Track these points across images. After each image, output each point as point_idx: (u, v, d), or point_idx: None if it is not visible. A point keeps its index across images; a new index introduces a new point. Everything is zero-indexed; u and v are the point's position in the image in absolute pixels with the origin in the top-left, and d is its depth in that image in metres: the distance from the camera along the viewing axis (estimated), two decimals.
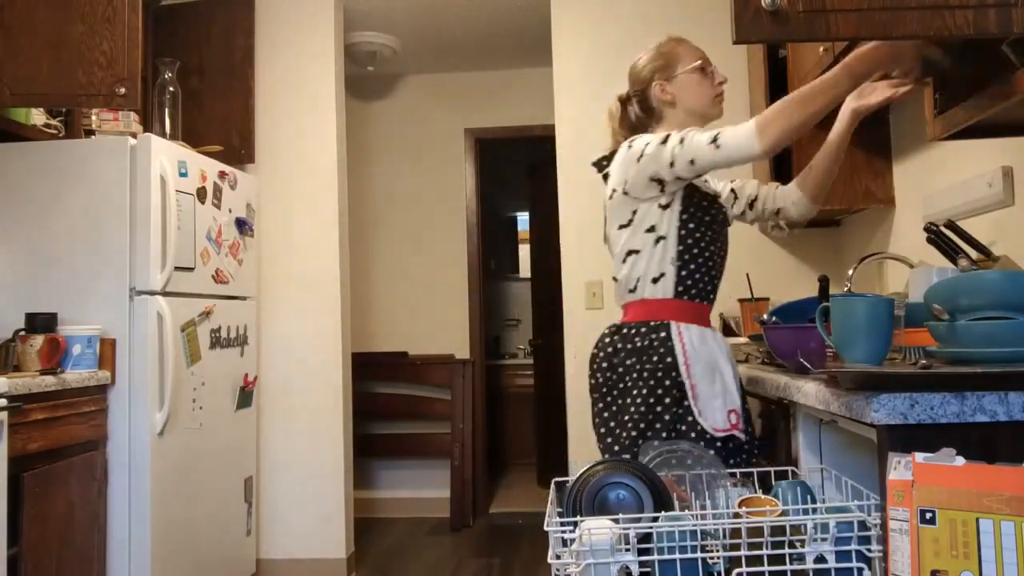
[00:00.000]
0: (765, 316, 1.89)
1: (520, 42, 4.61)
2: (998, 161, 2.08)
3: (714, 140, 1.71)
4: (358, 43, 4.48)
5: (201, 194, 3.10)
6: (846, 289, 2.34)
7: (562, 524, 1.26)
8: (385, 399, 4.95)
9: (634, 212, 1.85)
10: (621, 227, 1.88)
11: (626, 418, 1.81)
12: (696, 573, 1.18)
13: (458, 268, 5.11)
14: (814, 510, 1.25)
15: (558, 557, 1.20)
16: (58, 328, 2.64)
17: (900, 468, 1.07)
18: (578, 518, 1.26)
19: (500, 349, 6.86)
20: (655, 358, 1.80)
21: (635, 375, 1.82)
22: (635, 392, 1.81)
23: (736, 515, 1.21)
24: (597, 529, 1.18)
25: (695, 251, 1.84)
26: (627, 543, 1.18)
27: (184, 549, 2.91)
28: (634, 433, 1.78)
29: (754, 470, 1.48)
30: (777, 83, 2.96)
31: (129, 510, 2.70)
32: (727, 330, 3.30)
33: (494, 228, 6.72)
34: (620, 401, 1.85)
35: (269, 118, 3.79)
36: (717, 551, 1.20)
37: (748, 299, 3.03)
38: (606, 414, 1.88)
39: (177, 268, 2.90)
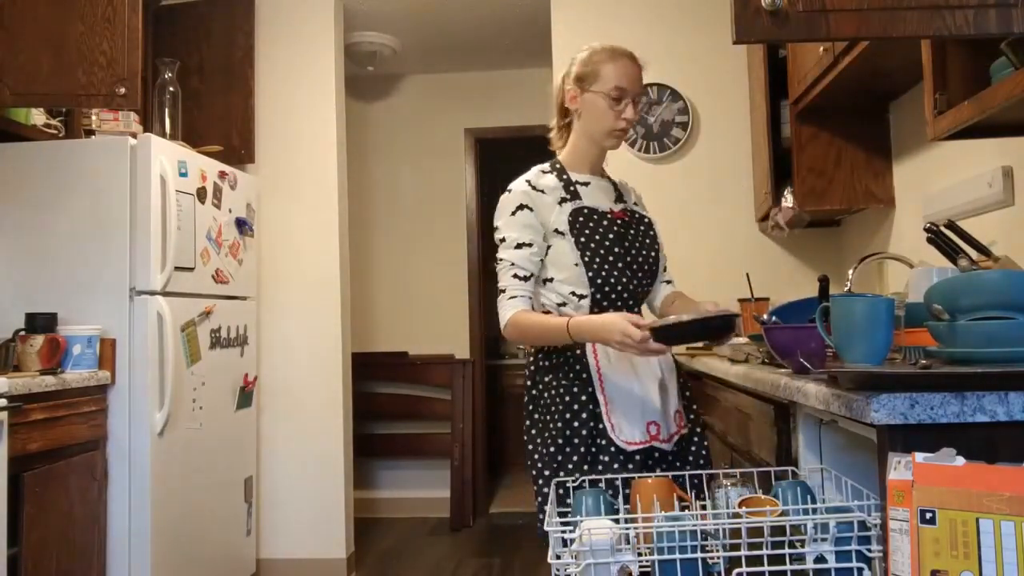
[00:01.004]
0: (765, 316, 1.89)
1: (520, 42, 4.61)
2: (998, 161, 2.08)
3: (502, 291, 1.82)
4: (358, 43, 4.48)
5: (201, 194, 3.10)
6: (846, 289, 2.34)
7: (562, 524, 1.26)
8: (385, 399, 4.95)
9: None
10: None
11: (547, 434, 1.81)
12: (696, 573, 1.18)
13: (458, 268, 5.11)
14: (814, 510, 1.25)
15: (558, 557, 1.20)
16: (58, 328, 2.64)
17: (900, 468, 1.07)
18: (578, 518, 1.26)
19: (500, 349, 6.85)
20: (571, 374, 1.81)
21: (553, 392, 1.83)
22: (553, 408, 1.81)
23: (736, 515, 1.21)
24: (597, 529, 1.18)
25: (596, 267, 1.81)
26: (627, 543, 1.18)
27: (184, 549, 2.91)
28: (552, 449, 1.79)
29: (754, 470, 1.48)
30: (777, 83, 2.96)
31: (129, 510, 2.70)
32: None
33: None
34: (542, 417, 1.85)
35: (269, 118, 3.79)
36: (717, 551, 1.20)
37: (748, 299, 3.03)
38: (533, 431, 1.88)
39: (177, 268, 2.90)
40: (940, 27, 1.29)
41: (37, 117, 2.93)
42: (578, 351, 1.82)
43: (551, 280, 1.85)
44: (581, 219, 1.84)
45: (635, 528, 1.18)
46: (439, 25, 4.38)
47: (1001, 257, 1.86)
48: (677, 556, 1.17)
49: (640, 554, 1.18)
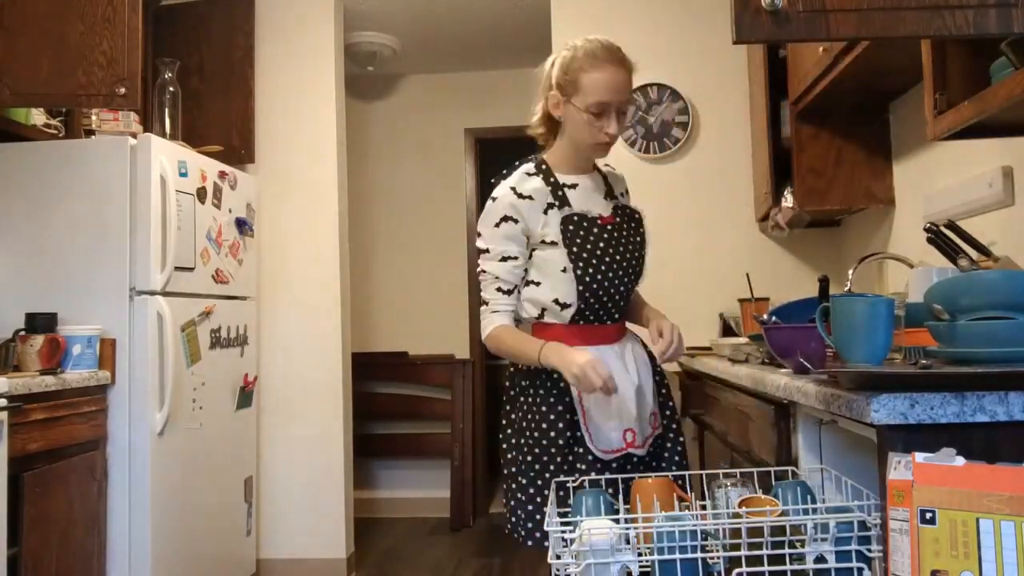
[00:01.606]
0: (765, 316, 1.89)
1: (520, 42, 4.61)
2: (998, 161, 2.08)
3: (485, 303, 1.82)
4: (358, 43, 4.48)
5: (201, 194, 3.10)
6: (846, 289, 2.34)
7: (562, 524, 1.26)
8: (385, 399, 4.95)
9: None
10: None
11: (522, 441, 1.80)
12: (696, 573, 1.18)
13: (458, 268, 5.11)
14: (814, 510, 1.25)
15: (558, 557, 1.20)
16: (58, 328, 2.64)
17: (900, 468, 1.07)
18: (578, 518, 1.26)
19: None
20: (548, 384, 1.79)
21: (532, 398, 1.80)
22: (531, 416, 1.79)
23: (736, 515, 1.21)
24: (597, 529, 1.18)
25: (587, 280, 1.76)
26: (627, 543, 1.18)
27: (184, 549, 2.91)
28: (529, 458, 1.78)
29: (754, 470, 1.48)
30: (777, 83, 2.96)
31: (129, 510, 2.70)
32: (727, 330, 3.30)
33: None
34: (519, 423, 1.83)
35: (269, 118, 3.79)
36: (717, 551, 1.20)
37: (748, 299, 3.03)
38: (509, 430, 1.88)
39: (177, 268, 2.90)
40: (940, 27, 1.29)
41: (37, 117, 2.93)
42: None
43: (536, 283, 1.80)
44: (572, 227, 1.78)
45: (635, 528, 1.18)
46: (439, 25, 4.38)
47: (1001, 257, 1.86)
48: (677, 556, 1.17)
49: (640, 554, 1.18)
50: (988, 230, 2.09)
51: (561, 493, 1.55)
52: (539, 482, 1.75)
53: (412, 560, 4.03)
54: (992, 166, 2.09)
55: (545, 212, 1.79)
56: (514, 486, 1.81)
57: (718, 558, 1.20)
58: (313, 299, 3.74)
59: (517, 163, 1.90)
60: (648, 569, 1.19)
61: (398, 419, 4.95)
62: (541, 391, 1.79)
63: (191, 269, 3.02)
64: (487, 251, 1.80)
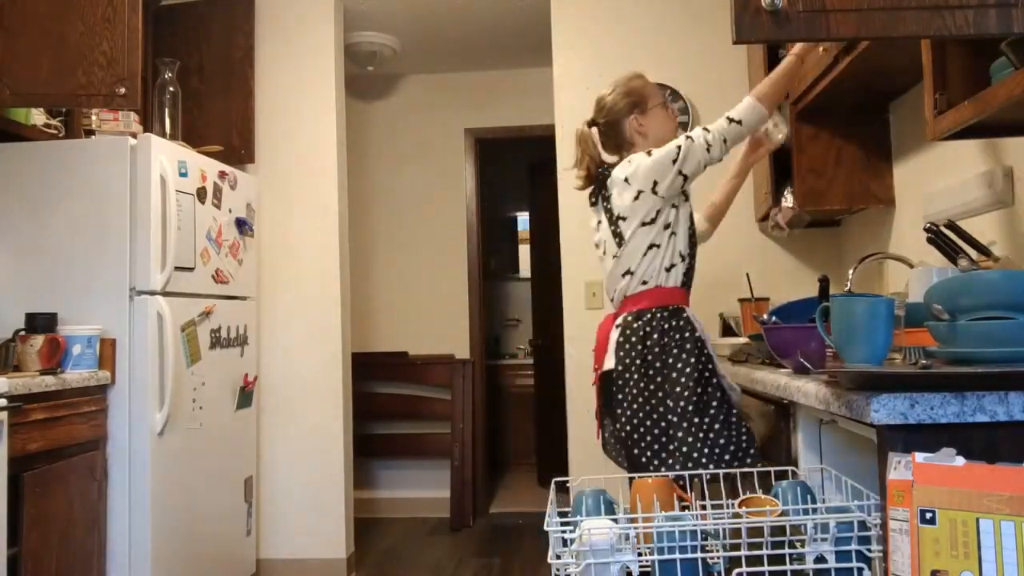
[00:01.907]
0: (765, 316, 1.89)
1: (520, 42, 4.61)
2: (998, 161, 2.08)
3: (731, 121, 2.06)
4: (358, 43, 4.48)
5: (201, 194, 3.10)
6: (846, 289, 2.34)
7: (562, 524, 1.27)
8: (385, 399, 4.95)
9: (658, 211, 2.10)
10: (644, 224, 2.10)
11: (679, 389, 2.00)
12: (696, 573, 1.18)
13: (458, 268, 5.11)
14: (814, 510, 1.25)
15: (558, 557, 1.20)
16: (58, 328, 2.64)
17: (900, 468, 1.07)
18: (578, 518, 1.26)
19: (500, 349, 6.86)
20: (687, 334, 2.05)
21: (676, 350, 2.04)
22: (680, 365, 2.02)
23: (736, 515, 1.22)
24: (597, 529, 1.18)
25: (692, 243, 2.16)
26: (627, 543, 1.18)
27: (184, 549, 2.91)
28: (693, 398, 1.98)
29: (754, 470, 1.48)
30: None
31: (129, 510, 2.70)
32: (727, 330, 3.30)
33: (494, 228, 6.72)
34: (663, 377, 2.03)
35: (269, 118, 3.79)
36: (717, 551, 1.20)
37: (748, 299, 3.03)
38: (646, 389, 2.04)
39: (177, 268, 2.90)
40: (940, 27, 1.29)
41: (37, 117, 2.93)
42: (684, 315, 2.08)
43: (673, 233, 2.11)
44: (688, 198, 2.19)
45: (635, 528, 1.18)
46: (439, 25, 4.38)
47: (1001, 257, 1.86)
48: (677, 556, 1.17)
49: (640, 554, 1.18)
50: (988, 230, 2.09)
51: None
52: (706, 421, 1.97)
53: (412, 560, 4.03)
54: (992, 166, 2.09)
55: None
56: (664, 439, 1.99)
57: (718, 558, 1.20)
58: (313, 299, 3.74)
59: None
60: (648, 569, 1.19)
61: (398, 419, 4.95)
62: (688, 344, 2.04)
63: (191, 269, 3.02)
64: (688, 137, 2.10)
